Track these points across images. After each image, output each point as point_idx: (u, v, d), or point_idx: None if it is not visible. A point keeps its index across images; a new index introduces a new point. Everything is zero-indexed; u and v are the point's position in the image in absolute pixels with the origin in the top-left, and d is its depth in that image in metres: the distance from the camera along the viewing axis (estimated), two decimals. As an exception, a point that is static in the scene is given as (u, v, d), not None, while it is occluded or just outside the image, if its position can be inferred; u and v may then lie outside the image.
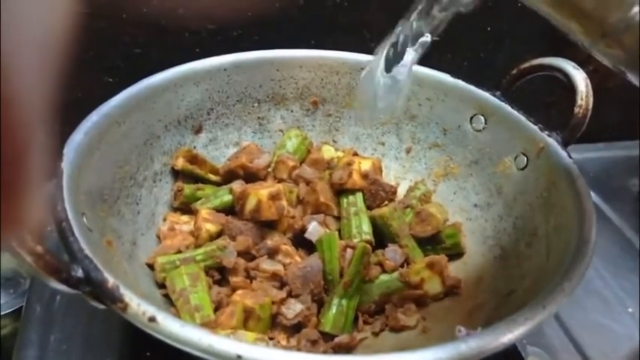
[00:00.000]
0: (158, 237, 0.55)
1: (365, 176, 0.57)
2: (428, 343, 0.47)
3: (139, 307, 0.34)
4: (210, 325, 0.45)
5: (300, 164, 0.62)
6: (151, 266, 0.52)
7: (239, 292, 0.49)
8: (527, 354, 0.56)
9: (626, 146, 0.88)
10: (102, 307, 0.37)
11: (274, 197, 0.53)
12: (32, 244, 0.33)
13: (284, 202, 0.54)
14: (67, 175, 0.42)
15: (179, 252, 0.52)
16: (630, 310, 0.63)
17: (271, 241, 0.53)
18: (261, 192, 0.53)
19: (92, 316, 0.54)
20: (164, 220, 0.56)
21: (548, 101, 0.85)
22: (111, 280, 0.35)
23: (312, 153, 0.64)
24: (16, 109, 0.14)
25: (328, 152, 0.63)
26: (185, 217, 0.56)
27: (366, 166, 0.58)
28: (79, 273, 0.36)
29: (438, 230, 0.57)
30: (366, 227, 0.55)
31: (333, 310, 0.49)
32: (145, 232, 0.54)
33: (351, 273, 0.50)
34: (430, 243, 0.57)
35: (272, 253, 0.53)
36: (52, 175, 0.42)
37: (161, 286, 0.50)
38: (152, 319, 0.34)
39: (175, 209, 0.58)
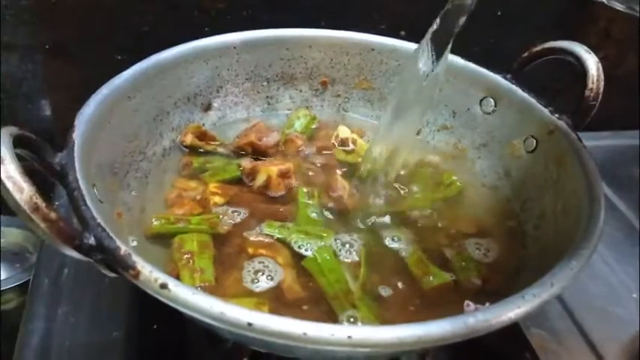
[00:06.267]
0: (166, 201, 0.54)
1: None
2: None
3: (151, 274, 0.34)
4: (211, 290, 0.45)
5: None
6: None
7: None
8: (530, 336, 0.57)
9: (633, 135, 0.88)
10: (113, 275, 0.37)
11: (284, 174, 0.54)
12: (46, 210, 0.33)
13: (293, 181, 0.55)
14: (78, 147, 0.42)
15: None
16: (634, 295, 0.63)
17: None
18: (271, 168, 0.53)
19: (100, 288, 0.55)
20: (172, 186, 0.55)
21: (554, 88, 0.84)
22: (123, 248, 0.35)
23: (318, 140, 0.64)
24: None
25: (344, 133, 0.62)
26: (193, 184, 0.55)
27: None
28: (91, 240, 0.36)
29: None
30: None
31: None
32: (153, 197, 0.54)
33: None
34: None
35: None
36: (64, 146, 0.42)
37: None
38: (164, 286, 0.34)
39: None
